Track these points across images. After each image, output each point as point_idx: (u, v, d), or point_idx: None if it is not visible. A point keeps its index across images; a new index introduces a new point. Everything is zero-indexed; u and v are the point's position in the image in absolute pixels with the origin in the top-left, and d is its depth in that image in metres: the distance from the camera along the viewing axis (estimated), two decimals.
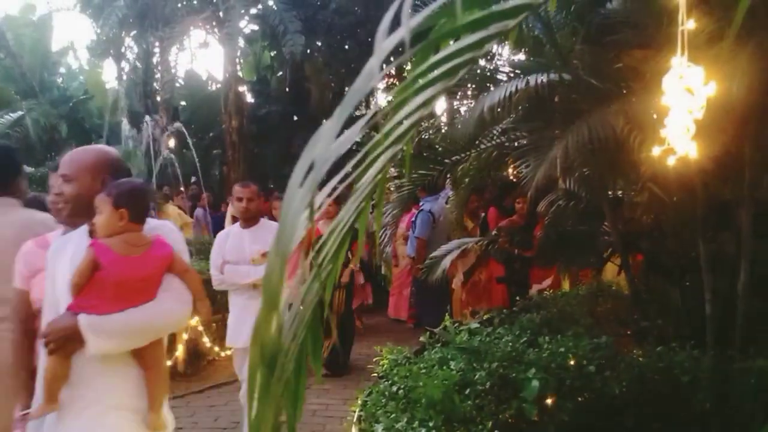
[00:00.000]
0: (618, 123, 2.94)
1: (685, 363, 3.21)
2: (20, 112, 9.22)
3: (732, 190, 3.52)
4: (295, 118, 17.51)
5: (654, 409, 3.11)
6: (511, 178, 7.73)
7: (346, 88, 18.85)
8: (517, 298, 4.60)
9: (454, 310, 6.58)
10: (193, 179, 13.17)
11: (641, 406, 3.09)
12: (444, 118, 17.33)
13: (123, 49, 16.10)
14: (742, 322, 3.47)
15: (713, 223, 3.77)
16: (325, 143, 0.70)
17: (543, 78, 3.38)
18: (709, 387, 3.08)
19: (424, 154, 4.59)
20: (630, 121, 2.94)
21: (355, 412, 2.72)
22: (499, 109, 3.45)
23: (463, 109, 18.57)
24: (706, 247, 3.64)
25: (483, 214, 7.50)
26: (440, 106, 18.72)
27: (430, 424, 2.31)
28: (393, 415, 2.40)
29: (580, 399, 2.92)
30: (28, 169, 8.14)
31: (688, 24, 1.43)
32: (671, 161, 1.75)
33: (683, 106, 1.58)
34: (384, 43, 0.73)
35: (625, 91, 3.27)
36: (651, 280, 4.42)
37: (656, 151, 1.74)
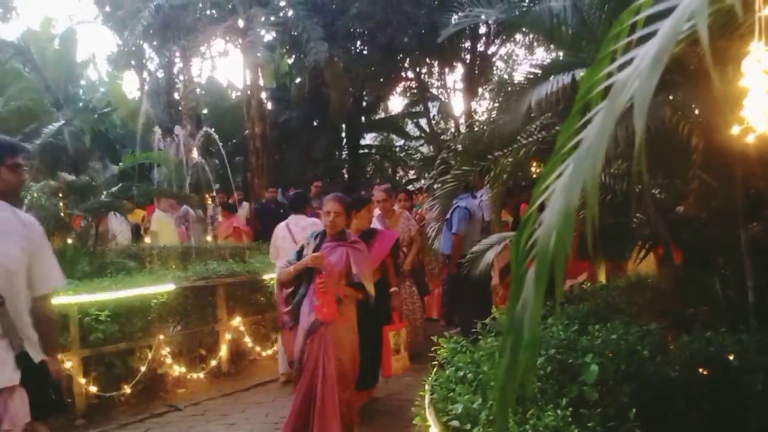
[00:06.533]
0: (665, 113, 3.03)
1: (734, 347, 3.28)
2: (61, 122, 9.45)
3: None
4: (315, 123, 17.68)
5: (704, 391, 3.18)
6: (534, 176, 7.78)
7: (365, 93, 18.88)
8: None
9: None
10: (216, 186, 13.35)
11: (692, 389, 3.16)
12: (462, 120, 17.40)
13: (144, 60, 16.36)
14: None
15: (754, 211, 3.83)
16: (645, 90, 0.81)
17: (582, 72, 3.47)
18: (758, 369, 3.15)
19: (467, 150, 4.68)
20: (677, 111, 3.03)
21: (424, 396, 2.82)
22: (542, 104, 3.55)
23: (480, 109, 18.65)
24: (746, 235, 3.70)
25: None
26: (458, 107, 18.81)
27: None
28: (467, 396, 2.50)
29: (634, 383, 3.00)
30: (69, 177, 8.34)
31: (765, 10, 1.53)
32: (750, 139, 1.86)
33: (761, 88, 1.70)
34: None
35: (668, 83, 3.35)
36: (691, 270, 4.49)
37: (736, 130, 1.86)
